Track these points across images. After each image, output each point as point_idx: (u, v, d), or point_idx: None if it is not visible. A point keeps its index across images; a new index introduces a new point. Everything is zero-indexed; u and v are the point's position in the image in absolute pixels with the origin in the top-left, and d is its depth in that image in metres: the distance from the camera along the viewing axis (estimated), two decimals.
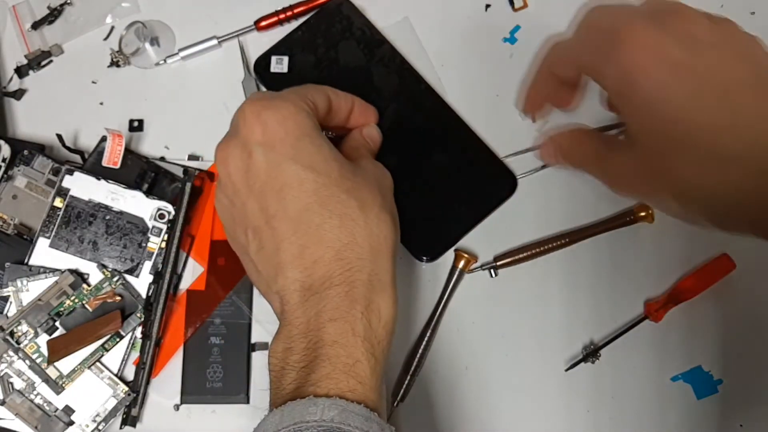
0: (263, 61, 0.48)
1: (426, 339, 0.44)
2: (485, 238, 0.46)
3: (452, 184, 0.45)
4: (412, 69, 0.48)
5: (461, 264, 0.45)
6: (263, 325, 0.45)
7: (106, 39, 0.50)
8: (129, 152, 0.46)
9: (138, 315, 0.44)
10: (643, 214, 0.45)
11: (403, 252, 0.45)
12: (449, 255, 0.46)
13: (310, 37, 0.48)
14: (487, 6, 0.50)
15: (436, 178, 0.46)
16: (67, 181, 0.45)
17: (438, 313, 0.45)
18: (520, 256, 0.45)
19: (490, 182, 0.46)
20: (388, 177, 0.40)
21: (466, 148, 0.46)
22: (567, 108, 0.41)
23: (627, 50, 0.32)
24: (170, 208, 0.45)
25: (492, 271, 0.45)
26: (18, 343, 0.43)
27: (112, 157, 0.45)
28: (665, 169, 0.33)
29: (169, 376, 0.45)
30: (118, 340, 0.44)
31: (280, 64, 0.47)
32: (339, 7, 0.49)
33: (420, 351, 0.44)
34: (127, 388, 0.44)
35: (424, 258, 0.45)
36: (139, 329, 0.44)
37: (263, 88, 0.49)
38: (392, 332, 0.36)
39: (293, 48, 0.48)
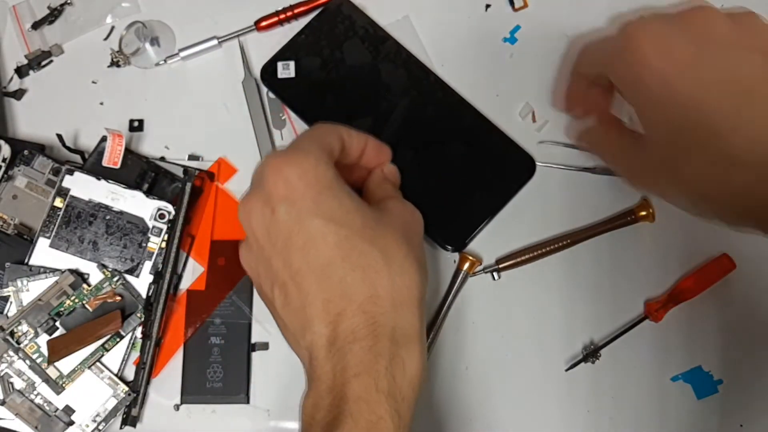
0: (270, 68, 0.48)
1: (429, 342, 0.44)
2: (485, 239, 0.46)
3: (471, 172, 0.45)
4: (418, 62, 0.48)
5: (466, 266, 0.45)
6: (263, 325, 0.45)
7: (106, 39, 0.50)
8: (129, 152, 0.46)
9: (138, 315, 0.44)
10: (643, 213, 0.45)
11: (426, 242, 0.45)
12: (452, 259, 0.46)
13: (314, 39, 0.48)
14: (487, 6, 0.50)
15: (454, 167, 0.45)
16: (68, 181, 0.45)
17: (442, 316, 0.45)
18: (522, 258, 0.45)
19: (509, 166, 0.46)
20: (416, 216, 0.40)
21: (481, 135, 0.46)
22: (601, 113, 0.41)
23: (635, 46, 0.32)
24: (170, 208, 0.45)
25: (494, 274, 0.45)
26: (18, 343, 0.43)
27: (113, 157, 0.45)
28: (676, 168, 0.33)
29: (169, 376, 0.45)
30: (118, 340, 0.44)
31: (286, 70, 0.47)
32: (339, 7, 0.49)
33: None
34: (127, 388, 0.44)
35: (449, 248, 0.45)
36: (140, 329, 0.44)
37: (264, 89, 0.49)
38: (419, 387, 0.35)
39: (298, 52, 0.48)
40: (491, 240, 0.46)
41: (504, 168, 0.46)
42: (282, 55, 0.48)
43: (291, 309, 0.36)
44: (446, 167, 0.46)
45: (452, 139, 0.46)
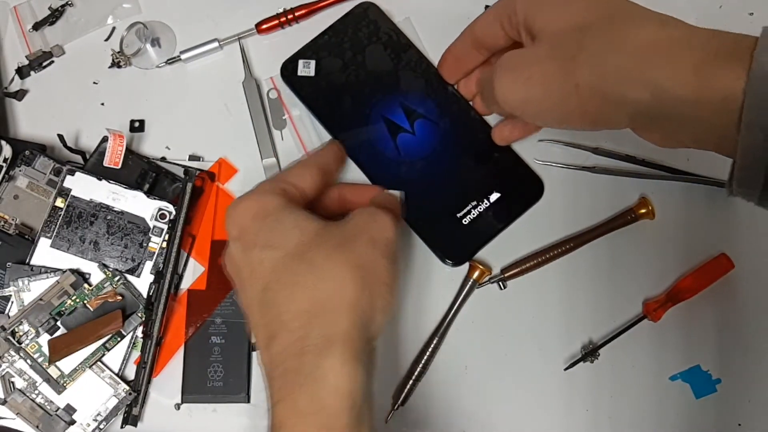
0: (290, 65, 0.48)
1: (432, 347, 0.44)
2: (487, 245, 0.46)
3: (479, 189, 0.45)
4: (438, 74, 0.47)
5: (475, 275, 0.45)
6: None
7: (107, 40, 0.51)
8: (130, 152, 0.47)
9: (139, 314, 0.45)
10: (643, 211, 0.45)
11: (425, 254, 0.45)
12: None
13: (337, 41, 0.48)
14: (487, 7, 0.50)
15: (463, 183, 0.45)
16: (69, 182, 0.45)
17: (447, 323, 0.45)
18: (527, 265, 0.45)
19: (517, 187, 0.46)
20: (378, 219, 0.37)
21: (492, 153, 0.46)
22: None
23: None
24: (171, 208, 0.45)
25: (501, 283, 0.45)
26: (19, 342, 0.43)
27: (113, 158, 0.45)
28: (572, 58, 0.34)
29: (170, 375, 0.45)
30: (119, 339, 0.44)
31: (307, 68, 0.47)
32: (365, 11, 0.49)
33: (425, 358, 0.44)
34: (128, 388, 0.44)
35: (450, 262, 0.45)
36: (140, 329, 0.45)
37: (264, 89, 0.49)
38: (353, 397, 0.32)
39: (320, 52, 0.48)
40: (492, 246, 0.46)
41: (513, 188, 0.45)
42: (304, 53, 0.48)
43: (256, 339, 0.37)
44: (455, 182, 0.45)
45: (464, 154, 0.46)
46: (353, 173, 0.47)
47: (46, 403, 0.43)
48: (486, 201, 0.45)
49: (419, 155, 0.46)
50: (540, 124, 0.41)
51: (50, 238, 0.45)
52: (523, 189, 0.46)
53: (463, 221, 0.45)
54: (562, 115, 0.36)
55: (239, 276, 0.37)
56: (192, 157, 0.48)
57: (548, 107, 0.36)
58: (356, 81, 0.47)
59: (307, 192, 0.40)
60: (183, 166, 0.47)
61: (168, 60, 0.49)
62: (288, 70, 0.48)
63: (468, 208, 0.45)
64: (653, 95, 0.32)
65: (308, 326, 0.33)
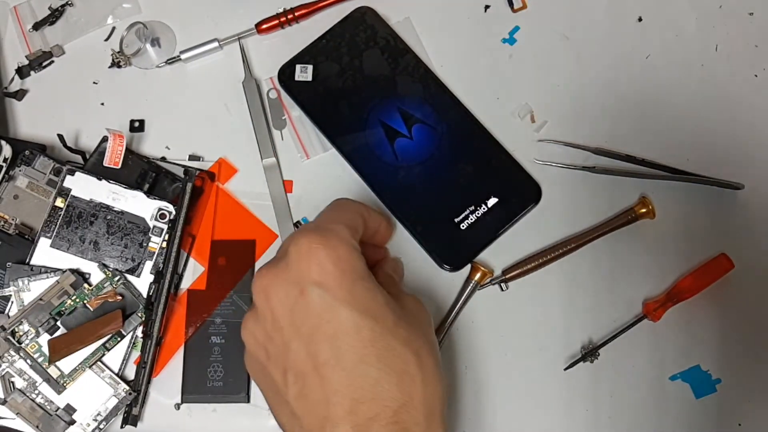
0: (288, 69, 0.48)
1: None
2: (488, 247, 0.46)
3: (477, 194, 0.45)
4: (436, 78, 0.48)
5: (477, 276, 0.45)
6: None
7: (107, 40, 0.51)
8: (130, 152, 0.47)
9: (139, 314, 0.45)
10: (643, 211, 0.45)
11: (423, 258, 0.45)
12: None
13: (335, 45, 0.48)
14: (487, 7, 0.50)
15: (461, 188, 0.45)
16: (69, 181, 0.45)
17: (449, 324, 0.45)
18: (529, 267, 0.45)
19: (515, 192, 0.46)
20: (428, 314, 0.38)
21: (490, 158, 0.46)
22: None
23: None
24: (171, 208, 0.45)
25: (502, 285, 0.45)
26: (19, 342, 0.43)
27: (113, 158, 0.45)
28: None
29: (170, 375, 0.45)
30: (119, 339, 0.44)
31: (304, 73, 0.47)
32: (363, 16, 0.49)
33: None
34: (128, 387, 0.44)
35: (447, 267, 0.45)
36: (140, 328, 0.45)
37: (264, 89, 0.49)
38: None
39: (317, 56, 0.48)
40: (492, 247, 0.46)
41: (510, 193, 0.45)
42: (301, 57, 0.48)
43: (308, 401, 0.33)
44: (453, 187, 0.45)
45: (462, 159, 0.46)
46: (353, 175, 0.47)
47: (46, 403, 0.43)
48: (484, 206, 0.45)
49: (417, 160, 0.46)
50: None
51: (50, 238, 0.45)
52: (520, 193, 0.46)
53: (461, 226, 0.45)
54: None
55: (314, 327, 0.33)
56: (192, 157, 0.48)
57: None
58: (354, 86, 0.47)
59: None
60: (183, 166, 0.47)
61: (168, 60, 0.49)
62: (285, 74, 0.48)
63: (466, 213, 0.45)
64: None
65: (419, 426, 0.33)
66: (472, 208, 0.45)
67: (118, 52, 0.50)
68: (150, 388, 0.45)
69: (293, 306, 0.33)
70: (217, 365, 0.45)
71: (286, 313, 0.34)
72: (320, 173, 0.48)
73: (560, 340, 0.45)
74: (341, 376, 0.32)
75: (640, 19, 0.50)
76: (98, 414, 0.44)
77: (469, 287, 0.45)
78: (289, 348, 0.34)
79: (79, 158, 0.47)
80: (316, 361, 0.33)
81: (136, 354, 0.45)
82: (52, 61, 0.50)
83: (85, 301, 0.44)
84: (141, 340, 0.45)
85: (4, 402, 0.43)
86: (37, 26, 0.51)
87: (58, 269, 0.44)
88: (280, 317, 0.34)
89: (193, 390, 0.45)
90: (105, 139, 0.46)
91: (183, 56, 0.49)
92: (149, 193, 0.46)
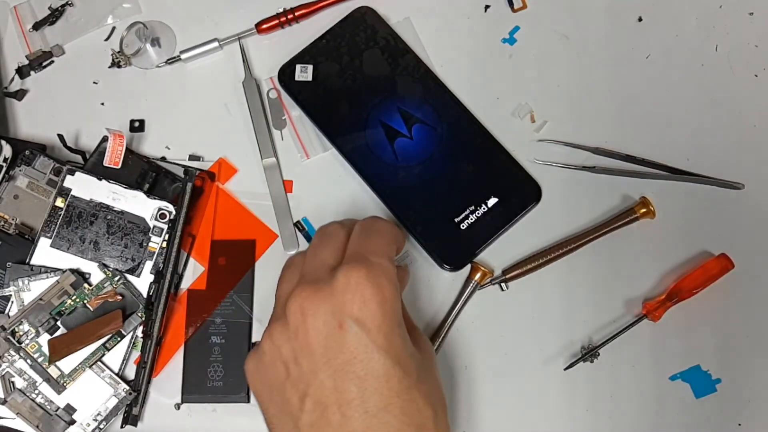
0: (288, 69, 0.48)
1: (434, 348, 0.44)
2: (488, 247, 0.46)
3: (477, 194, 0.45)
4: (436, 78, 0.48)
5: (477, 276, 0.45)
6: (264, 324, 0.45)
7: (107, 39, 0.51)
8: (130, 152, 0.47)
9: (139, 314, 0.45)
10: (643, 211, 0.45)
11: (423, 258, 0.46)
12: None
13: (335, 45, 0.48)
14: (487, 7, 0.50)
15: (460, 188, 0.45)
16: (69, 181, 0.45)
17: (449, 324, 0.45)
18: (529, 267, 0.45)
19: (515, 192, 0.46)
20: (434, 352, 0.40)
21: (490, 158, 0.46)
22: None
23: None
24: (171, 207, 0.45)
25: (502, 285, 0.45)
26: (19, 342, 0.43)
27: (113, 158, 0.45)
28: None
29: (170, 375, 0.45)
30: (119, 339, 0.44)
31: (304, 73, 0.47)
32: (363, 15, 0.49)
33: None
34: (128, 387, 0.44)
35: (447, 267, 0.45)
36: (140, 328, 0.45)
37: (264, 89, 0.49)
38: None
39: (317, 56, 0.48)
40: (492, 247, 0.46)
41: (510, 193, 0.45)
42: (301, 57, 0.48)
43: None
44: (453, 187, 0.45)
45: (462, 159, 0.46)
46: (353, 175, 0.47)
47: (46, 403, 0.43)
48: (484, 206, 0.45)
49: (417, 160, 0.46)
50: None
51: (50, 237, 0.45)
52: (520, 193, 0.46)
53: (461, 226, 0.45)
54: None
55: (346, 363, 0.33)
56: (192, 157, 0.48)
57: None
58: (354, 86, 0.47)
59: None
60: (183, 166, 0.47)
61: (168, 60, 0.49)
62: (285, 74, 0.48)
63: (466, 212, 0.45)
64: None
65: None
66: (472, 208, 0.45)
67: (118, 52, 0.50)
68: (150, 388, 0.45)
69: (328, 335, 0.33)
70: (217, 365, 0.45)
71: (321, 341, 0.33)
72: (320, 173, 0.48)
73: (560, 340, 0.45)
74: (363, 418, 0.32)
75: (640, 19, 0.50)
76: (98, 414, 0.44)
77: (469, 287, 0.45)
78: (316, 377, 0.33)
79: (79, 158, 0.47)
80: (342, 397, 0.33)
81: (136, 354, 0.45)
82: (52, 61, 0.50)
83: (85, 301, 0.44)
84: (141, 340, 0.45)
85: (4, 402, 0.43)
86: (37, 26, 0.51)
87: (58, 269, 0.44)
88: (313, 343, 0.34)
89: (193, 390, 0.45)
90: (105, 139, 0.46)
91: (183, 56, 0.49)
92: (149, 193, 0.46)
